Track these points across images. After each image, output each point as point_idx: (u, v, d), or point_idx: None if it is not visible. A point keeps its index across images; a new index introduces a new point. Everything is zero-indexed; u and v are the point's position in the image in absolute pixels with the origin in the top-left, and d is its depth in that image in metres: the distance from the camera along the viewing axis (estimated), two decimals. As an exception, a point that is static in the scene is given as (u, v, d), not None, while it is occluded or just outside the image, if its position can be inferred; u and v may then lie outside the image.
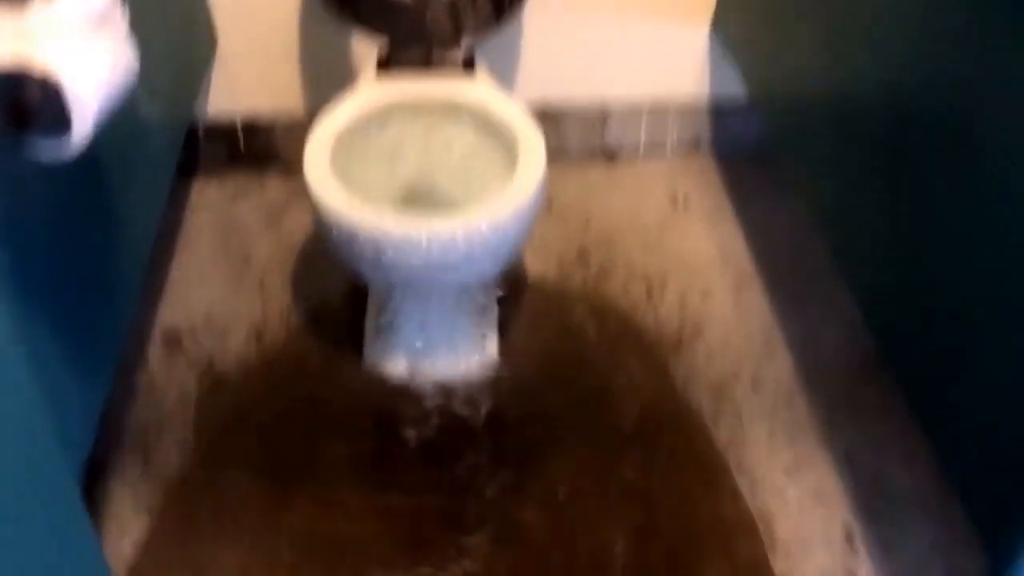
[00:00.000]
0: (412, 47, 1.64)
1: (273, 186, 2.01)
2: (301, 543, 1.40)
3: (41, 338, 1.01)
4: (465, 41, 1.65)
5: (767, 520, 1.43)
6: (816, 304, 1.74)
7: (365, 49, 1.88)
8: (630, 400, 1.59)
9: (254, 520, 1.43)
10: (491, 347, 1.64)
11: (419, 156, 1.58)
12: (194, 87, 1.85)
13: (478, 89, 1.59)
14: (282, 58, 1.92)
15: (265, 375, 1.64)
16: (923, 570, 1.37)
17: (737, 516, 1.44)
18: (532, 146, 1.46)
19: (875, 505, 1.45)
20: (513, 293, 1.76)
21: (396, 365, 1.61)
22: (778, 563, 1.38)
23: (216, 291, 1.78)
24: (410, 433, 1.55)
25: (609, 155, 2.10)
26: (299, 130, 1.88)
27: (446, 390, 1.60)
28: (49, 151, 0.80)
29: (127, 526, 1.42)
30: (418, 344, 1.59)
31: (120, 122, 0.99)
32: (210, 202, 1.97)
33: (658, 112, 2.05)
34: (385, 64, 1.63)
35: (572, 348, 1.68)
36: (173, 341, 1.68)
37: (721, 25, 1.93)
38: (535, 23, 1.92)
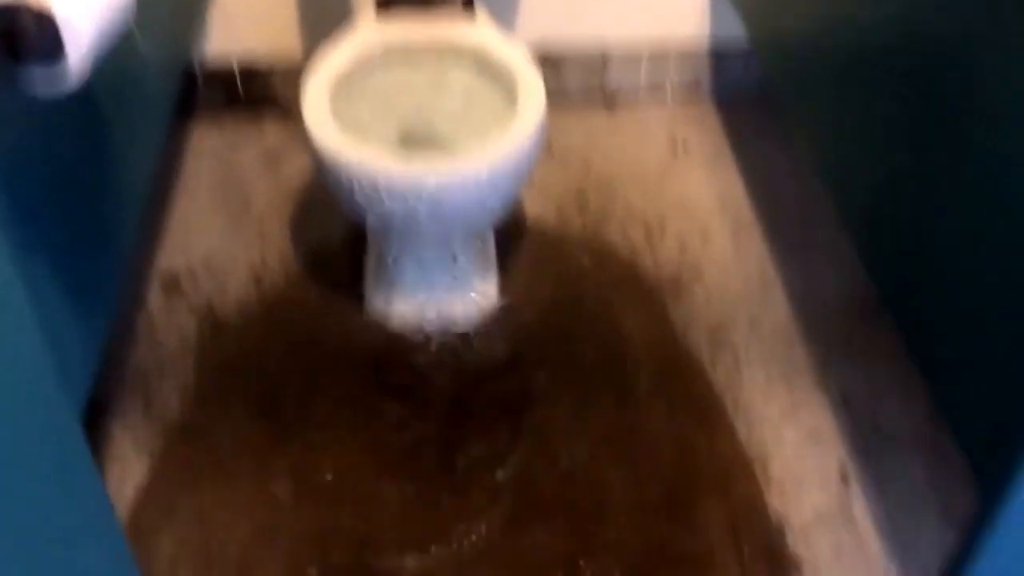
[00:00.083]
0: (411, -13, 1.63)
1: (272, 131, 2.00)
2: (301, 485, 1.41)
3: (39, 276, 1.01)
4: (464, -19, 1.64)
5: (763, 460, 1.45)
6: (814, 248, 1.74)
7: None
8: (629, 343, 1.60)
9: (254, 462, 1.44)
10: (490, 290, 1.64)
11: (418, 98, 1.57)
12: (192, 27, 1.84)
13: (478, 31, 1.57)
14: (280, -1, 1.91)
15: (265, 319, 1.65)
16: (917, 508, 1.39)
17: (734, 457, 1.45)
18: (532, 88, 1.45)
19: (870, 445, 1.46)
20: (512, 237, 1.76)
21: (396, 308, 1.61)
22: (774, 501, 1.40)
23: (215, 236, 1.78)
24: (408, 376, 1.56)
25: (609, 99, 2.09)
26: (297, 75, 1.86)
27: (446, 333, 1.61)
28: (45, 84, 0.79)
29: (129, 468, 1.43)
30: (418, 287, 1.60)
31: (117, 60, 0.99)
32: (209, 147, 1.97)
33: (658, 56, 2.04)
34: (384, 4, 1.61)
35: (571, 291, 1.68)
36: (172, 285, 1.68)
37: (722, -33, 1.91)
38: (535, -35, 1.91)
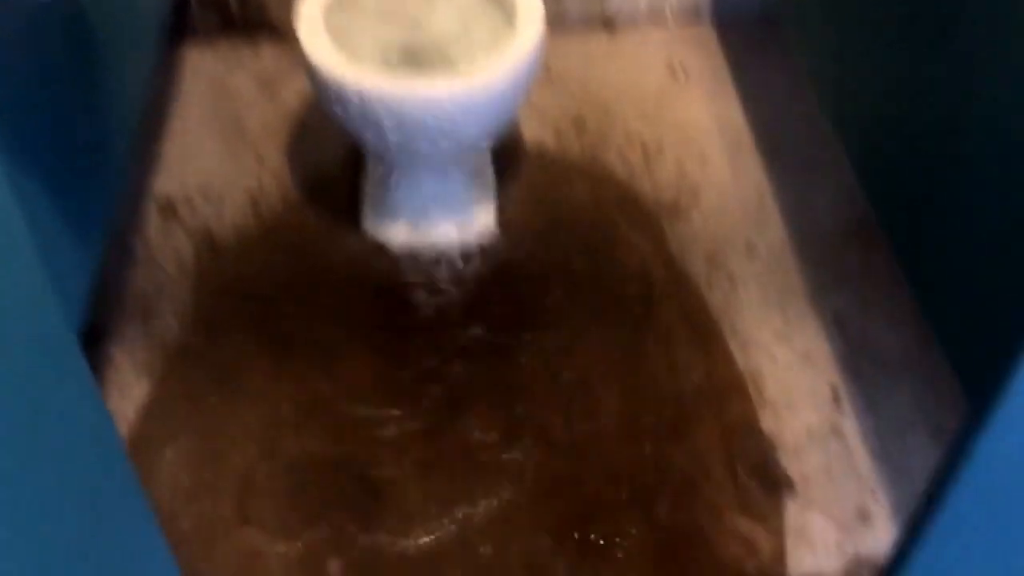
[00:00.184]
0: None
1: (267, 54, 1.98)
2: (301, 407, 1.43)
3: (33, 194, 1.01)
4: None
5: (757, 381, 1.46)
6: (811, 173, 1.74)
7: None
8: (626, 265, 1.60)
9: (254, 385, 1.46)
10: (488, 213, 1.64)
11: (415, 17, 1.55)
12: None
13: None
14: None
15: (263, 243, 1.65)
16: (906, 427, 1.41)
17: (728, 378, 1.47)
18: (530, 6, 1.43)
19: (862, 367, 1.48)
20: (511, 161, 1.75)
21: (394, 232, 1.62)
22: (767, 422, 1.41)
23: (212, 160, 1.77)
24: (407, 299, 1.57)
25: (608, 23, 2.06)
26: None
27: (444, 256, 1.61)
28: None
29: (128, 390, 1.45)
30: (416, 210, 1.60)
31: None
32: (203, 70, 1.95)
33: (658, -22, 2.01)
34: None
35: (569, 214, 1.68)
36: (169, 210, 1.68)
37: None
38: None
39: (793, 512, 1.33)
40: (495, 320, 1.54)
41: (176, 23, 1.92)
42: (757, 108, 1.87)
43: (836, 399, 1.44)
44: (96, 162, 1.23)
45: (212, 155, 1.78)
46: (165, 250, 1.63)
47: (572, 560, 1.28)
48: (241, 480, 1.35)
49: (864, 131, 1.43)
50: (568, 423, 1.41)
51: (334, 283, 1.59)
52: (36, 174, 1.03)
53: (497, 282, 1.59)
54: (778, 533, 1.31)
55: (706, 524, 1.31)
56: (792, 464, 1.37)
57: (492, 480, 1.35)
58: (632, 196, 1.71)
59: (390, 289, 1.58)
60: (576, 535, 1.30)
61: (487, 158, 1.67)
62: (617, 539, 1.30)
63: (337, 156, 1.77)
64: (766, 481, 1.36)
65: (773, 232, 1.65)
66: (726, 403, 1.44)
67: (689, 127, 1.84)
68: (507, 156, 1.75)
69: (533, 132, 1.81)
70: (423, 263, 1.60)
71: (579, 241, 1.65)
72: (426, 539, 1.30)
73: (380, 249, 1.62)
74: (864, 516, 1.33)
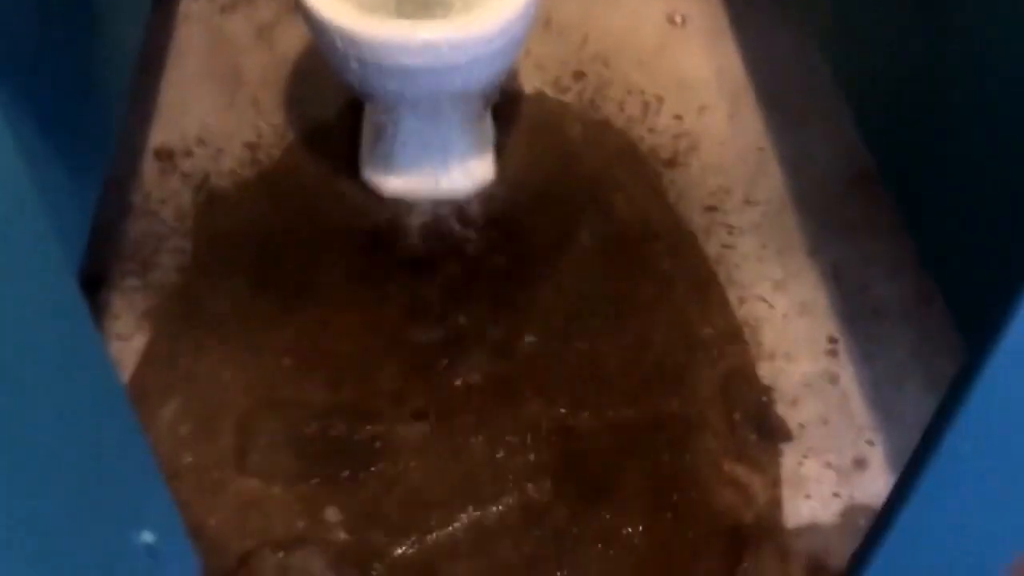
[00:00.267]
0: None
1: (264, 2, 1.96)
2: (298, 354, 1.44)
3: (30, 136, 1.01)
4: None
5: (755, 330, 1.47)
6: (810, 123, 1.73)
7: None
8: (625, 215, 1.60)
9: (252, 332, 1.46)
10: (487, 162, 1.64)
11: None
12: None
13: None
14: None
15: (261, 191, 1.64)
16: (903, 376, 1.41)
17: (726, 327, 1.47)
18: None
19: (859, 316, 1.48)
20: (510, 110, 1.74)
21: (392, 181, 1.61)
22: (763, 369, 1.42)
23: (208, 108, 1.76)
24: (406, 248, 1.57)
25: (608, -28, 2.04)
26: (288, -58, 1.82)
27: (442, 206, 1.61)
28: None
29: (127, 336, 1.45)
30: (414, 159, 1.59)
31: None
32: (199, 18, 1.93)
33: (659, -75, 1.98)
34: None
35: (568, 164, 1.68)
36: (167, 158, 1.68)
37: None
38: None
39: (790, 460, 1.34)
40: (493, 268, 1.54)
41: (171, -31, 1.90)
42: (757, 59, 1.86)
43: (834, 349, 1.45)
44: (93, 108, 1.22)
45: (209, 103, 1.76)
46: (163, 198, 1.62)
47: (571, 503, 1.29)
48: (239, 427, 1.36)
49: (865, 81, 1.42)
50: (565, 369, 1.42)
51: (331, 232, 1.59)
52: (32, 120, 1.02)
53: (495, 231, 1.59)
54: (774, 481, 1.32)
55: (703, 472, 1.32)
56: (789, 413, 1.38)
57: (486, 425, 1.36)
58: (631, 146, 1.70)
59: (386, 238, 1.58)
60: (574, 479, 1.32)
61: (486, 107, 1.66)
62: (614, 485, 1.31)
63: (335, 104, 1.76)
64: (763, 430, 1.37)
65: (772, 183, 1.65)
66: (724, 352, 1.45)
67: (688, 77, 1.82)
68: (506, 106, 1.74)
69: (532, 82, 1.80)
70: (421, 211, 1.60)
71: (577, 190, 1.64)
72: (425, 480, 1.31)
73: (378, 197, 1.61)
74: (860, 464, 1.34)
